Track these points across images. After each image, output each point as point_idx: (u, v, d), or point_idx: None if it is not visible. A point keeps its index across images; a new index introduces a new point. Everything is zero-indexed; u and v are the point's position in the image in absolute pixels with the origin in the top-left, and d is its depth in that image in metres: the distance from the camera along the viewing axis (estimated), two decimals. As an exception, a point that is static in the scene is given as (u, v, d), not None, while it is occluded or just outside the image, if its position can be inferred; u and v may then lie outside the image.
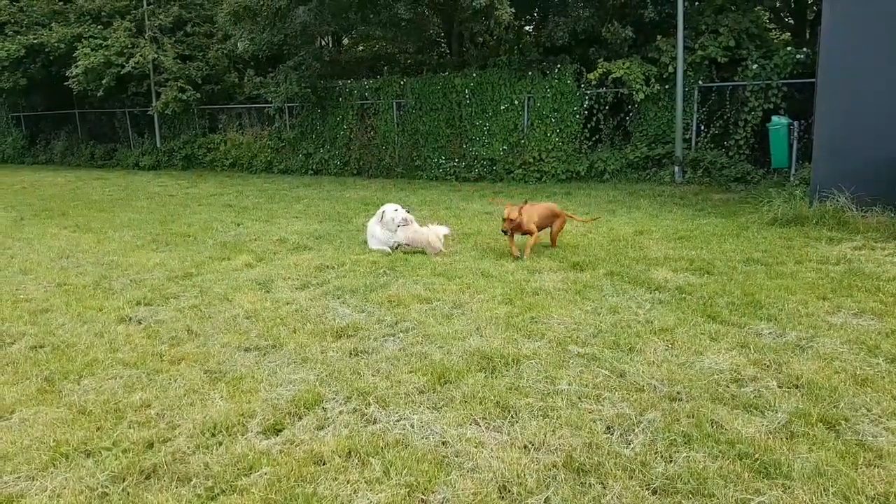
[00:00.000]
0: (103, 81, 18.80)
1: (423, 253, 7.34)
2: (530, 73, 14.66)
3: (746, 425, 3.30)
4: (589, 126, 14.37)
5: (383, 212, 7.62)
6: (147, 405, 3.78)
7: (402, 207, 7.69)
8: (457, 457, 3.14)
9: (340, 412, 3.62)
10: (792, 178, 11.16)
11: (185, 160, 20.13)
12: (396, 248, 7.44)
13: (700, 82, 13.26)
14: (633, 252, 7.07)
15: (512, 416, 3.52)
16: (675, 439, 3.20)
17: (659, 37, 13.33)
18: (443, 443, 3.27)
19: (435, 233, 7.42)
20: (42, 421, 3.62)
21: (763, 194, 9.93)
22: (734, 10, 13.25)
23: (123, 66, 18.67)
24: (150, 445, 3.34)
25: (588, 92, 14.06)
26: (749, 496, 2.75)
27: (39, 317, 5.47)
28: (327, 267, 6.92)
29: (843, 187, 8.20)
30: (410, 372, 4.11)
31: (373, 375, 4.09)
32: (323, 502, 2.82)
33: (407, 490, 2.88)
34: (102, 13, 20.02)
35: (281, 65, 17.69)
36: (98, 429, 3.52)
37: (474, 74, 15.34)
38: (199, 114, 20.40)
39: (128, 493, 2.95)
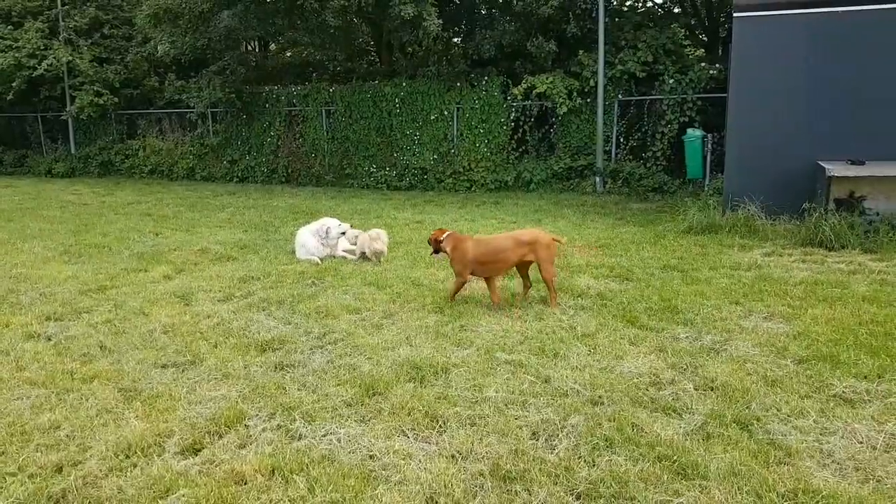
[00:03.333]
0: (13, 84, 17.92)
1: (355, 263, 7.26)
2: (459, 84, 14.81)
3: (665, 428, 3.42)
4: (516, 137, 14.64)
5: (328, 228, 7.49)
6: (56, 427, 3.56)
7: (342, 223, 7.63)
8: (384, 470, 3.10)
9: (263, 429, 3.51)
10: (706, 188, 11.73)
11: (101, 167, 19.22)
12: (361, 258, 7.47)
13: (620, 96, 13.76)
14: (557, 260, 7.21)
15: (440, 425, 3.52)
16: (597, 443, 3.28)
17: (581, 51, 13.76)
18: (370, 456, 3.23)
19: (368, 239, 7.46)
20: (-67, 449, 3.34)
21: (679, 204, 10.37)
22: (652, 27, 13.87)
23: (35, 69, 17.77)
24: (59, 469, 3.14)
25: (514, 104, 14.34)
26: (668, 498, 2.84)
27: (-68, 336, 5.06)
28: (252, 278, 6.73)
29: (754, 197, 8.69)
30: (338, 385, 4.04)
31: (298, 390, 3.99)
32: (244, 523, 2.73)
33: (333, 506, 2.82)
34: (13, 13, 18.96)
35: (204, 69, 17.18)
36: (2, 453, 3.29)
37: (404, 84, 15.35)
38: (117, 119, 19.54)
39: (30, 524, 2.76)
